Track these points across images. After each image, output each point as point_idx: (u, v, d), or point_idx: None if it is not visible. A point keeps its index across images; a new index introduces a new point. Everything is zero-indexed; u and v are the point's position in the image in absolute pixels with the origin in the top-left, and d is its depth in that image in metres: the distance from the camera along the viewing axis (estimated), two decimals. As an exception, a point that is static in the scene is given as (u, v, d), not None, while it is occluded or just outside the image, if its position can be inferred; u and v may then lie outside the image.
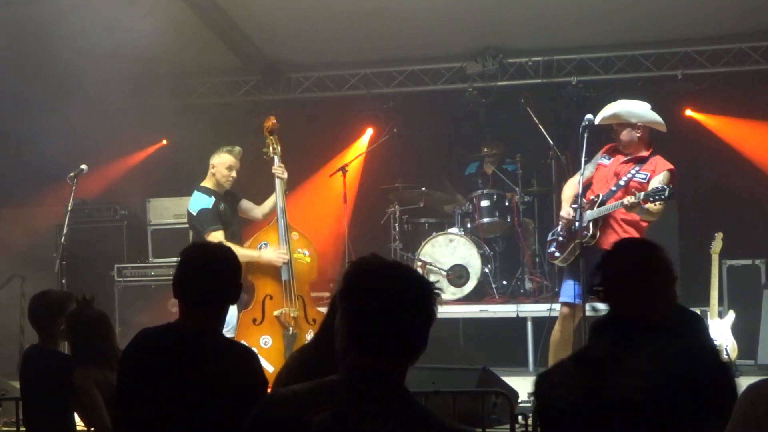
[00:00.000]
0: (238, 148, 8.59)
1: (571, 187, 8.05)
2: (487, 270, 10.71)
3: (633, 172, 7.77)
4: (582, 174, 7.92)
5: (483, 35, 11.23)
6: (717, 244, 9.37)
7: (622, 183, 7.75)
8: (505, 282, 11.05)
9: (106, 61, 9.38)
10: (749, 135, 11.46)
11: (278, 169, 8.56)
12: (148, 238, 11.15)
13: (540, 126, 10.47)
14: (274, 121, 8.74)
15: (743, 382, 3.38)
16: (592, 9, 10.45)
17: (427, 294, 2.77)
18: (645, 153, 7.87)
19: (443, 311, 9.71)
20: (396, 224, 11.28)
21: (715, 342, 7.73)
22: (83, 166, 9.05)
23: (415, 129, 12.20)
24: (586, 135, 7.68)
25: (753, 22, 10.65)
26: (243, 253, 7.98)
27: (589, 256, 7.78)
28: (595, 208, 7.71)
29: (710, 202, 10.72)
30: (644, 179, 7.72)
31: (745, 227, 10.58)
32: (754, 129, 11.43)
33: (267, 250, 8.42)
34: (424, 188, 11.48)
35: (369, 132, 12.48)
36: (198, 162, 9.58)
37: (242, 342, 5.87)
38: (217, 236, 8.14)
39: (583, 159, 7.64)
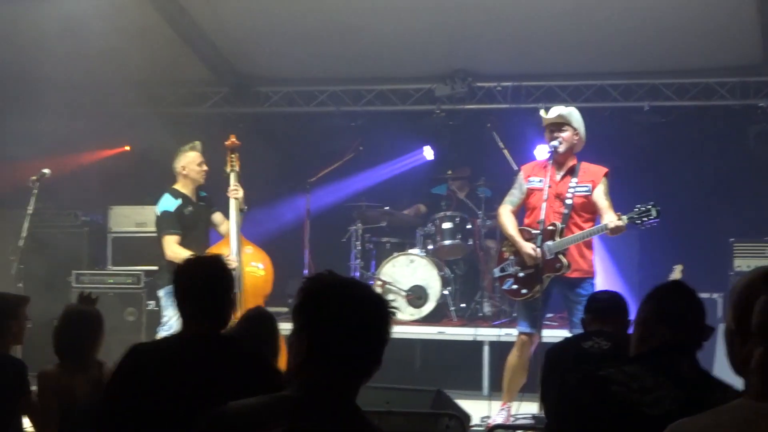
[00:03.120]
0: (197, 143, 8.73)
1: (508, 218, 8.10)
2: (446, 292, 10.72)
3: (573, 187, 7.85)
4: (512, 203, 8.10)
5: (453, 58, 11.25)
6: (676, 276, 9.43)
7: (569, 203, 7.80)
8: (463, 305, 11.00)
9: (71, 64, 9.32)
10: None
11: (233, 191, 8.66)
12: (108, 245, 11.06)
13: (505, 151, 10.50)
14: (234, 140, 8.84)
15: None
16: (563, 37, 10.49)
17: (385, 312, 2.75)
18: (574, 161, 7.97)
19: (401, 332, 9.76)
20: (357, 242, 11.30)
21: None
22: (45, 170, 9.03)
23: (382, 148, 12.24)
24: (551, 162, 7.82)
25: (720, 58, 10.73)
26: None
27: (560, 286, 7.83)
28: (558, 238, 7.71)
29: (671, 233, 10.74)
30: (587, 191, 7.84)
31: (703, 260, 10.59)
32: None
33: None
34: (387, 207, 11.51)
35: (338, 149, 12.35)
36: (162, 171, 9.52)
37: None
38: (170, 240, 8.32)
39: (546, 185, 7.68)
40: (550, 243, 7.70)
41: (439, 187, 11.90)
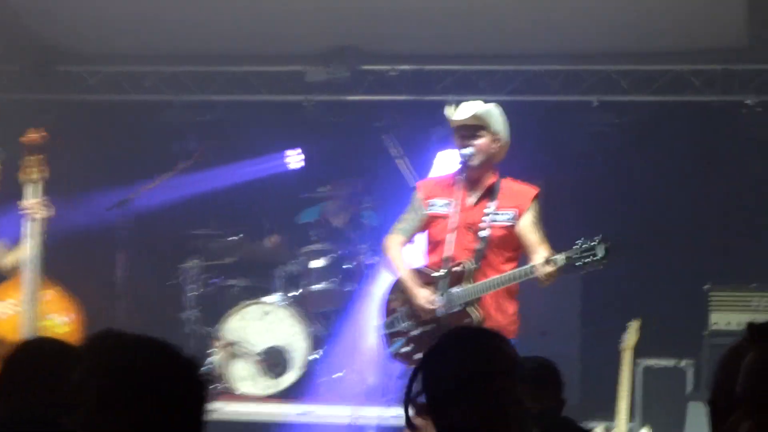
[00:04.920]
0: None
1: (397, 254, 7.92)
2: (315, 356, 10.55)
3: (490, 214, 7.61)
4: (404, 232, 7.94)
5: (335, 30, 11.16)
6: (630, 337, 9.26)
7: (484, 235, 7.57)
8: (340, 374, 10.69)
9: None
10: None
11: (33, 207, 8.17)
12: None
13: (400, 161, 10.30)
14: (35, 135, 8.42)
15: None
16: (485, 3, 10.45)
17: (204, 379, 2.74)
18: (493, 177, 7.78)
19: (250, 411, 10.07)
20: (194, 285, 11.12)
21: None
22: None
23: (237, 152, 12.07)
24: (461, 178, 7.68)
25: (699, 39, 10.69)
26: None
27: None
28: (467, 283, 7.48)
29: (626, 278, 10.71)
30: (510, 220, 7.61)
31: (669, 315, 10.63)
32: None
33: None
34: (240, 235, 11.40)
35: (174, 154, 12.05)
36: None
37: None
38: None
39: (455, 210, 7.55)
40: (456, 290, 7.49)
41: (309, 210, 11.79)
